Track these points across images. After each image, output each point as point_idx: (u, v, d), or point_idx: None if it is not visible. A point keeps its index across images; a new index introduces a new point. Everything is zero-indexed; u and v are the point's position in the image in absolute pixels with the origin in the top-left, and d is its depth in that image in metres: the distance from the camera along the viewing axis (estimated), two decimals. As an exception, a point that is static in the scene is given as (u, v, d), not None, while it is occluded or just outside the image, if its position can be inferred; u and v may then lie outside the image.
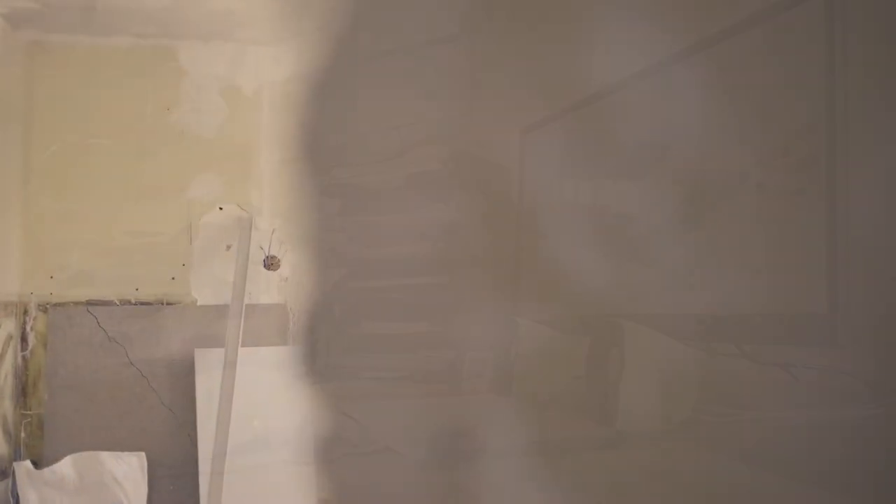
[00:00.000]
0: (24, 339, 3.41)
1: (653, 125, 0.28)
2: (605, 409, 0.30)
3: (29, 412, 3.38)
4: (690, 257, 0.29)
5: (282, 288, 3.59)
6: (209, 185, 3.58)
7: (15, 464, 3.19)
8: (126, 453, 3.28)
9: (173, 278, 3.53)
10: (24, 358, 3.40)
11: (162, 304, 3.51)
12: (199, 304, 3.53)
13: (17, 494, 3.07)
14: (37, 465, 3.25)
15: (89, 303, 3.45)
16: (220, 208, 3.58)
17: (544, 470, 0.31)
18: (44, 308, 3.42)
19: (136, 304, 3.49)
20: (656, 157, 0.29)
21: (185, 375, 3.43)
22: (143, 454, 3.30)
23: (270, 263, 3.55)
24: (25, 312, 3.42)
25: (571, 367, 0.30)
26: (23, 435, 3.35)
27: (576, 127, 0.29)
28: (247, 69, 3.65)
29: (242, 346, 3.35)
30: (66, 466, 3.18)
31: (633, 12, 0.29)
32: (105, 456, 3.23)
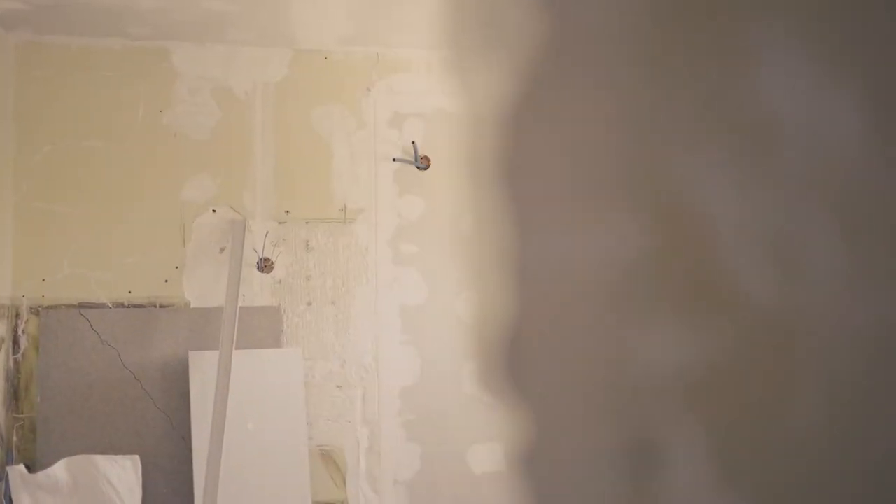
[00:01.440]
0: (15, 341, 3.39)
1: (815, 143, 0.30)
2: (778, 424, 0.31)
3: (21, 415, 3.36)
4: (854, 274, 0.31)
5: (276, 290, 3.59)
6: (202, 187, 3.57)
7: (8, 468, 3.17)
8: (120, 457, 3.26)
9: (166, 281, 3.52)
10: (15, 361, 3.38)
11: (155, 306, 3.50)
12: (192, 306, 3.52)
13: (11, 498, 3.06)
14: (29, 468, 3.23)
15: (81, 305, 3.44)
16: (214, 210, 3.58)
17: (727, 482, 0.32)
18: (35, 311, 3.40)
19: (128, 307, 3.47)
20: (818, 174, 0.30)
21: (178, 378, 3.42)
22: (137, 457, 3.29)
23: (264, 266, 3.55)
24: (17, 315, 3.39)
25: (746, 383, 0.32)
26: (14, 438, 3.33)
27: (743, 149, 0.31)
28: (240, 71, 3.64)
29: (236, 348, 3.35)
30: (60, 470, 3.16)
31: (799, 45, 0.30)
32: (99, 459, 3.22)
